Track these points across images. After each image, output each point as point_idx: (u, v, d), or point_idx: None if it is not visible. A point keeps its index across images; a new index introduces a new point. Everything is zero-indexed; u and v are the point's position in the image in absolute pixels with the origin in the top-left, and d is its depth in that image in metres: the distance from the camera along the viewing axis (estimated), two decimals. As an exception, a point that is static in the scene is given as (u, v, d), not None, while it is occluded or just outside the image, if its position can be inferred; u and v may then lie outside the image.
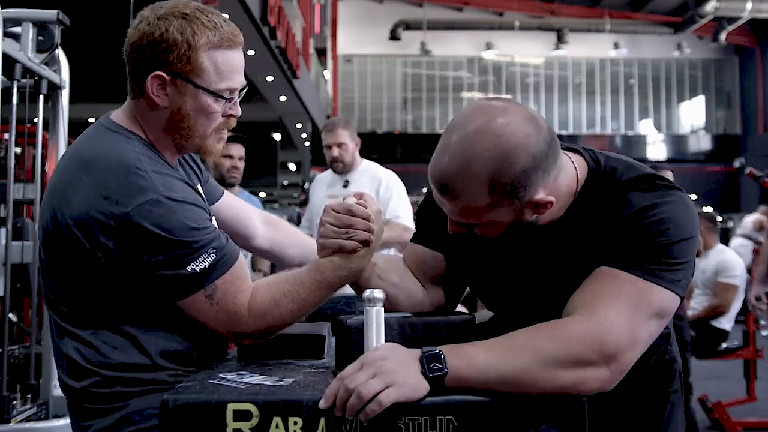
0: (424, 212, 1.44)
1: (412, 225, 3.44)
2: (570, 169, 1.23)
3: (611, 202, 1.19)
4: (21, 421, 2.34)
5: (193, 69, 1.24)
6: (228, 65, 1.27)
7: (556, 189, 1.18)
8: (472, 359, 1.04)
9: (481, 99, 1.20)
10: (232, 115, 1.32)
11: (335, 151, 3.53)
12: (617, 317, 1.09)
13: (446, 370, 1.02)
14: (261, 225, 1.65)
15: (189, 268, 1.20)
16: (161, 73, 1.24)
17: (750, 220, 9.53)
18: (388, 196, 3.49)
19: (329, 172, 3.76)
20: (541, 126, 1.14)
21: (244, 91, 1.32)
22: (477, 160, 1.10)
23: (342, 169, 3.58)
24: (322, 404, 1.01)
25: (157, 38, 1.22)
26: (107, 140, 1.27)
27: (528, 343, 1.07)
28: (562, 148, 1.23)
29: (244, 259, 1.30)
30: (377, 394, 0.98)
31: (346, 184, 3.55)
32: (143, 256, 1.18)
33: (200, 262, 1.20)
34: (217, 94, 1.27)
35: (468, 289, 1.48)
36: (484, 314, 1.46)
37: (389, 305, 1.24)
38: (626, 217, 1.16)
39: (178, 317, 1.27)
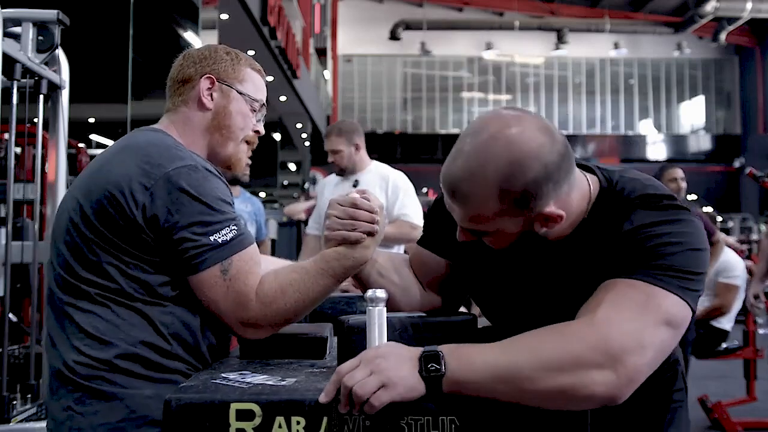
0: (433, 216, 1.44)
1: (420, 223, 3.45)
2: (583, 187, 1.21)
3: (617, 219, 1.17)
4: (21, 421, 2.33)
5: (237, 78, 1.48)
6: (260, 85, 1.53)
7: (567, 205, 1.16)
8: (470, 359, 1.03)
9: (497, 108, 1.20)
10: (257, 132, 1.52)
11: (330, 158, 3.65)
12: (620, 317, 1.05)
13: (444, 371, 1.01)
14: None
15: (212, 238, 1.26)
16: (212, 76, 1.45)
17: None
18: (396, 195, 3.52)
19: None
20: (555, 138, 1.13)
21: (264, 116, 1.54)
22: (488, 166, 1.09)
23: (342, 173, 3.65)
24: (322, 398, 1.01)
25: (207, 55, 1.48)
26: (146, 134, 1.40)
27: (526, 342, 1.04)
28: (577, 165, 1.21)
29: (256, 247, 1.34)
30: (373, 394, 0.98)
31: (355, 184, 3.58)
32: (174, 217, 1.24)
33: (223, 235, 1.27)
34: (254, 101, 1.49)
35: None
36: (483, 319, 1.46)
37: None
38: (625, 232, 1.14)
39: (189, 306, 1.30)
